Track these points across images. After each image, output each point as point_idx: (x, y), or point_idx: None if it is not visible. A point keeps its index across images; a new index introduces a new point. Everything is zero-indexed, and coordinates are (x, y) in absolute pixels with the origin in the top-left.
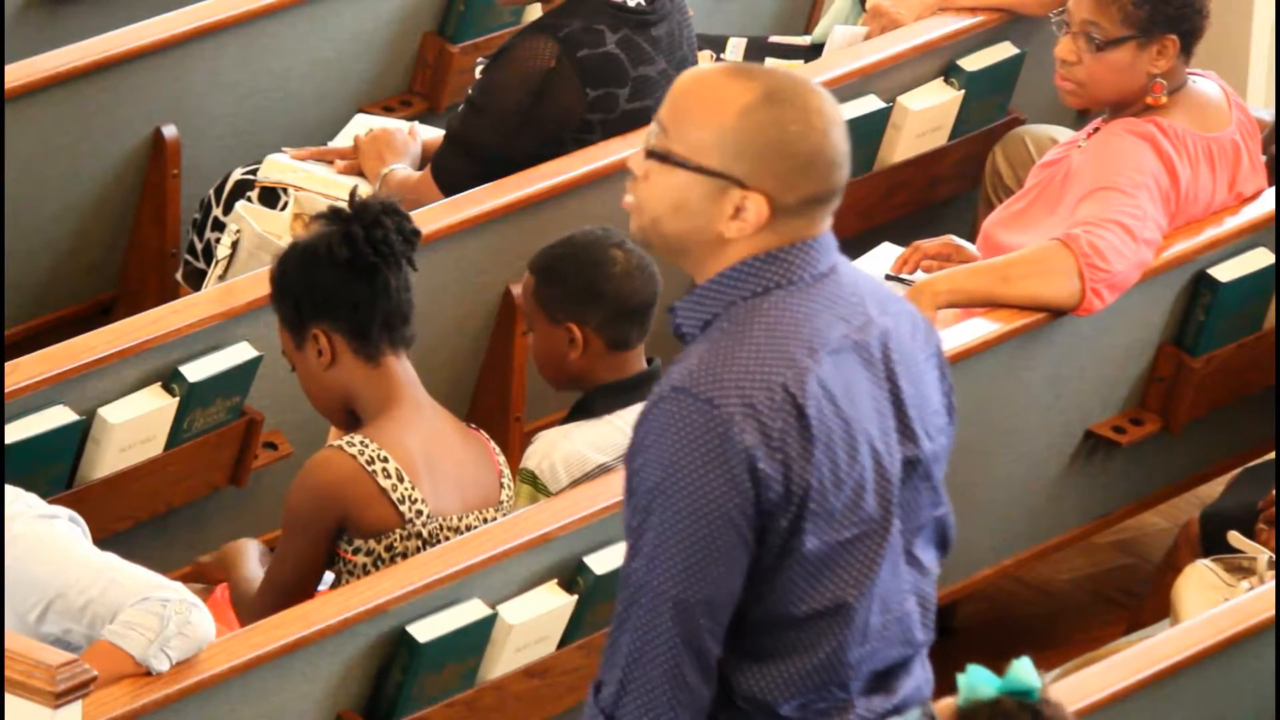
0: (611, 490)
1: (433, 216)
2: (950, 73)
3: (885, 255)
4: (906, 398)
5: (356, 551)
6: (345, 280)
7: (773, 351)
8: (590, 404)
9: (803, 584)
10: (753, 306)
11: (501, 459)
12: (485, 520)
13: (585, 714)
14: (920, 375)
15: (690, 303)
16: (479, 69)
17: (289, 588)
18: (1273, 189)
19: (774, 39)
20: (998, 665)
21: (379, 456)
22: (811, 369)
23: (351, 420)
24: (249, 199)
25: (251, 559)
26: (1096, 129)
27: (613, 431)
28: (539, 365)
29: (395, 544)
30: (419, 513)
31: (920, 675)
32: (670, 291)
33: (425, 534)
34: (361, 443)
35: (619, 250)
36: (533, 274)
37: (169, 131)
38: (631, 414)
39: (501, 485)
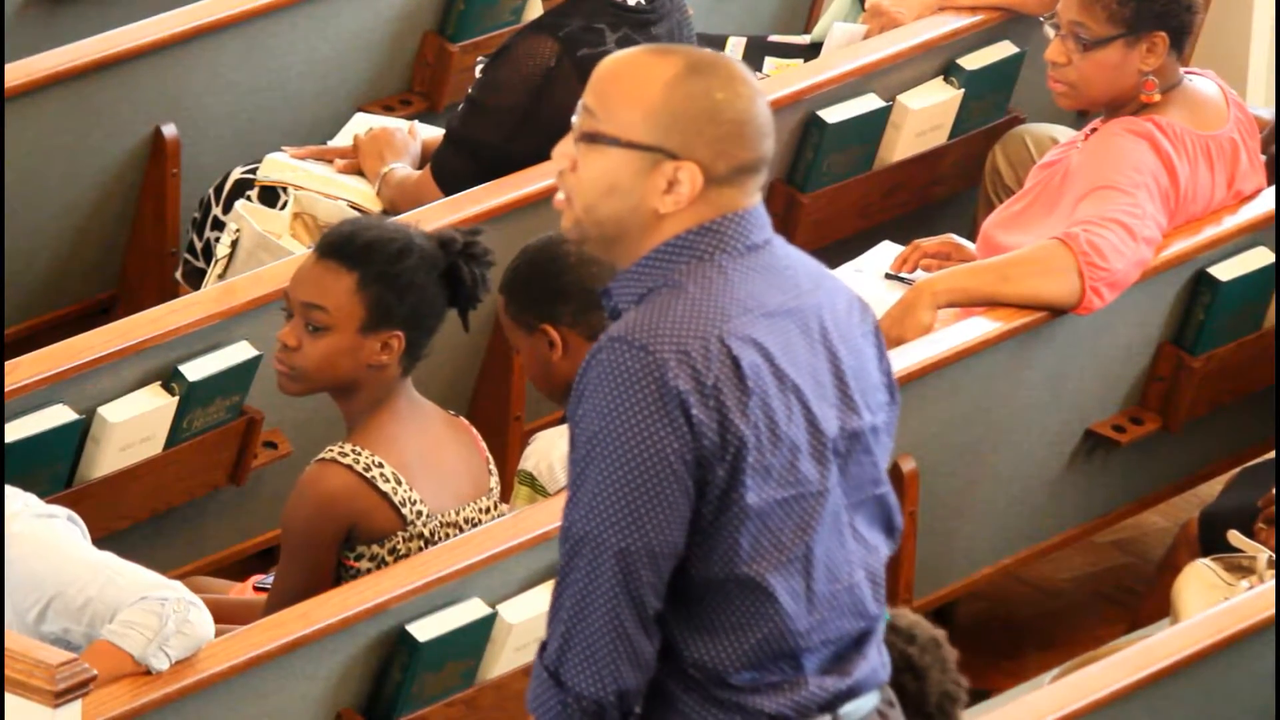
0: None
1: (433, 216)
2: (950, 72)
3: (885, 253)
4: (847, 369)
5: (359, 558)
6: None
7: (709, 306)
8: None
9: (745, 543)
10: (689, 271)
11: (483, 443)
12: (482, 510)
13: (533, 673)
14: (859, 350)
15: (626, 279)
16: (479, 68)
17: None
18: (1272, 188)
19: (774, 38)
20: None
21: (374, 463)
22: (747, 325)
23: (344, 400)
24: (249, 198)
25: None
26: (1095, 129)
27: None
28: (533, 381)
29: (398, 546)
30: (419, 513)
31: (876, 659)
32: None
33: (427, 533)
34: (354, 451)
35: (571, 244)
36: (500, 294)
37: (169, 131)
38: None
39: (489, 472)
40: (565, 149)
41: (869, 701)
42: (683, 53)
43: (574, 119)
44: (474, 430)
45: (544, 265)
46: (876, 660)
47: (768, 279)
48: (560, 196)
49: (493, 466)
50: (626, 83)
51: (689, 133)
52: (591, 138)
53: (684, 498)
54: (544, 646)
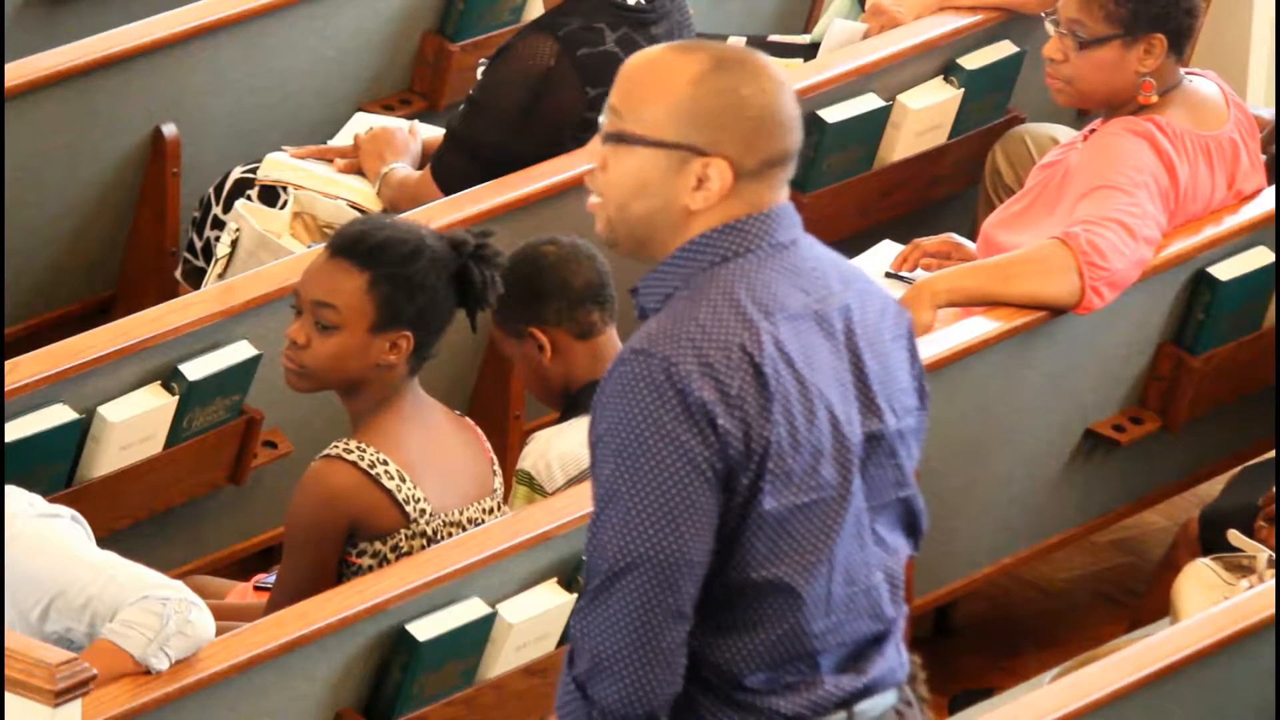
0: None
1: (433, 215)
2: (950, 71)
3: (885, 253)
4: (870, 372)
5: (361, 555)
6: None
7: (730, 313)
8: (581, 400)
9: (762, 548)
10: (712, 275)
11: (488, 444)
12: (485, 511)
13: (560, 678)
14: (886, 353)
15: (652, 279)
16: (480, 69)
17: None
18: (1272, 188)
19: (773, 38)
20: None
21: (379, 460)
22: (767, 330)
23: (350, 398)
24: (249, 197)
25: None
26: (1094, 129)
27: None
28: (528, 388)
29: (401, 544)
30: (422, 511)
31: (894, 658)
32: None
33: (429, 531)
34: (359, 447)
35: (549, 245)
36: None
37: (169, 130)
38: None
39: (494, 473)
40: (595, 149)
41: (886, 700)
42: (707, 49)
43: (601, 119)
44: (479, 430)
45: (523, 269)
46: (895, 659)
47: (793, 280)
48: (593, 199)
49: (497, 467)
50: (652, 81)
51: (717, 128)
52: (619, 138)
53: (715, 506)
54: (571, 656)
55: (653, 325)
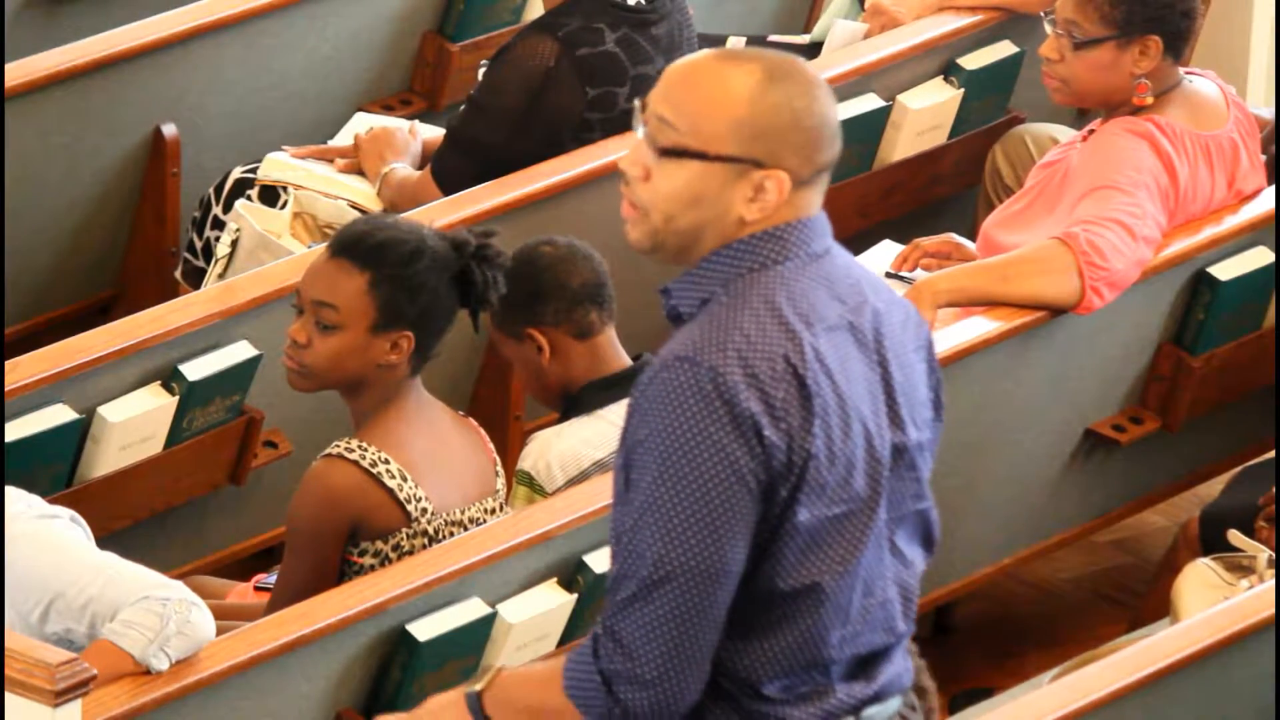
0: (610, 488)
1: (433, 215)
2: (950, 71)
3: (885, 252)
4: (896, 384)
5: (363, 554)
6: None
7: (773, 322)
8: (581, 401)
9: (790, 558)
10: (751, 281)
11: (490, 444)
12: (487, 511)
13: (577, 662)
14: (909, 364)
15: (687, 281)
16: (481, 69)
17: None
18: (1272, 188)
19: (773, 38)
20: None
21: (381, 459)
22: (809, 341)
23: (352, 397)
24: (249, 197)
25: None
26: (1094, 129)
27: (607, 427)
28: (529, 390)
29: (402, 543)
30: (424, 510)
31: (901, 664)
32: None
33: (431, 530)
34: (360, 447)
35: (546, 246)
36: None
37: (169, 130)
38: (624, 408)
39: (496, 473)
40: (638, 158)
41: (892, 705)
42: (756, 58)
43: (641, 128)
44: (482, 431)
45: (521, 270)
46: (901, 665)
47: (829, 290)
48: (628, 206)
49: (500, 468)
50: (708, 94)
51: (776, 142)
52: (676, 152)
53: (755, 516)
54: (595, 646)
55: (695, 332)
